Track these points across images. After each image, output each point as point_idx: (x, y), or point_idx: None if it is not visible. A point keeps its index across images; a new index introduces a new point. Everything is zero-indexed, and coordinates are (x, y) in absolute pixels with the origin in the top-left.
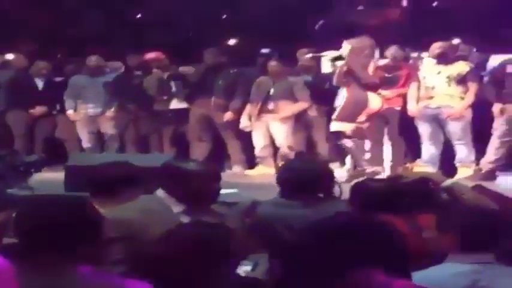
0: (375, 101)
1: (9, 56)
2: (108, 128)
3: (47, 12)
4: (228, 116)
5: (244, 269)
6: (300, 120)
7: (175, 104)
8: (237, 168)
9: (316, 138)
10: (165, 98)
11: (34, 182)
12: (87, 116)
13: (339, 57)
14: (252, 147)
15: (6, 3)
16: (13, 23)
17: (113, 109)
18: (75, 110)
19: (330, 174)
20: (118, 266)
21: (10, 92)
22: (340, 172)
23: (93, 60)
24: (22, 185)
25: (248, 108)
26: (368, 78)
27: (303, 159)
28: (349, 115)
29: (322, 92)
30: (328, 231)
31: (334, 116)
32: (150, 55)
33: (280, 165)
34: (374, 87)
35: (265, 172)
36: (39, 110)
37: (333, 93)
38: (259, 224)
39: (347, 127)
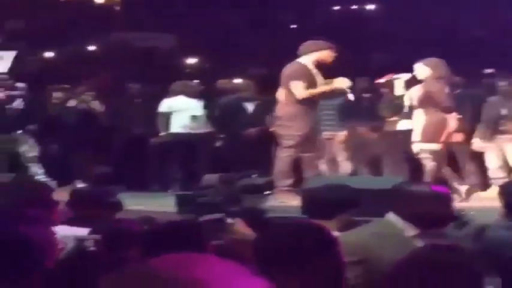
0: (452, 122)
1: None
2: (340, 151)
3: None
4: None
5: None
6: None
7: (405, 125)
8: (469, 189)
9: None
10: (395, 118)
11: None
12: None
13: (413, 79)
14: (485, 168)
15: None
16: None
17: (344, 132)
18: None
19: None
20: None
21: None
22: None
23: None
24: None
25: (480, 129)
26: (446, 101)
27: None
28: (431, 136)
29: None
30: None
31: (416, 138)
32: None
33: (504, 187)
34: (450, 110)
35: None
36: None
37: None
38: (490, 248)
39: (432, 147)
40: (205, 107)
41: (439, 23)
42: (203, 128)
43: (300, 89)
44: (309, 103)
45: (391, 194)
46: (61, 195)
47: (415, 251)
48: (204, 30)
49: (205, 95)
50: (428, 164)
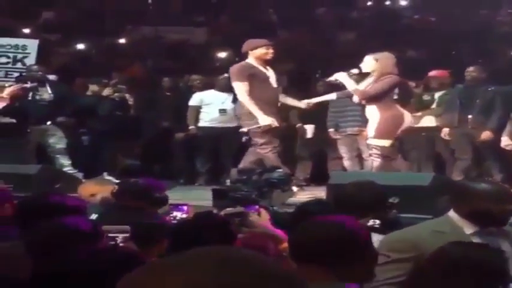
0: (408, 117)
1: None
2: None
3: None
4: (486, 135)
5: None
6: None
7: (429, 121)
8: None
9: None
10: (419, 114)
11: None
12: (346, 134)
13: (365, 73)
14: None
15: None
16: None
17: None
18: (336, 129)
19: None
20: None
21: None
22: None
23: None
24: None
25: (510, 126)
26: (396, 94)
27: None
28: (386, 132)
29: None
30: None
31: (371, 134)
32: (434, 73)
33: None
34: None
35: None
36: None
37: None
38: None
39: (384, 143)
40: (235, 101)
41: (474, 18)
42: (231, 122)
43: (239, 90)
44: (263, 100)
45: (452, 191)
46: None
47: (441, 247)
48: (235, 24)
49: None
50: (376, 161)
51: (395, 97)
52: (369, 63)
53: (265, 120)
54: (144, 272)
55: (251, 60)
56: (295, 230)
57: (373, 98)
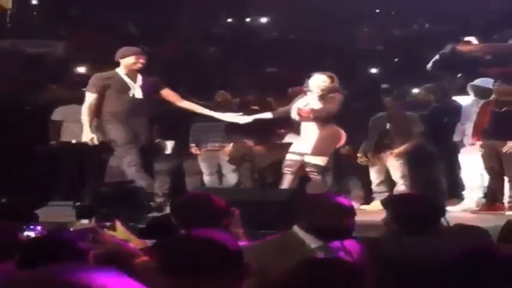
0: (343, 134)
1: None
2: (226, 162)
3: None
4: (347, 150)
5: None
6: (417, 155)
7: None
8: (353, 203)
9: (434, 173)
10: (283, 131)
11: None
12: (207, 150)
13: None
14: (369, 182)
15: None
16: None
17: (231, 144)
18: (197, 145)
19: (441, 208)
20: None
21: None
22: (460, 206)
23: (221, 94)
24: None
25: (365, 143)
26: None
27: (411, 195)
28: (325, 150)
29: (439, 127)
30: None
31: (307, 151)
32: (297, 89)
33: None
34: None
35: (382, 207)
36: None
37: (450, 126)
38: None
39: (322, 161)
40: None
41: (333, 35)
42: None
43: (85, 101)
44: (116, 112)
45: (297, 206)
46: None
47: (294, 265)
48: (96, 38)
49: None
50: (315, 178)
51: None
52: (322, 80)
53: (85, 136)
54: None
55: (121, 69)
56: (163, 244)
57: (332, 116)
